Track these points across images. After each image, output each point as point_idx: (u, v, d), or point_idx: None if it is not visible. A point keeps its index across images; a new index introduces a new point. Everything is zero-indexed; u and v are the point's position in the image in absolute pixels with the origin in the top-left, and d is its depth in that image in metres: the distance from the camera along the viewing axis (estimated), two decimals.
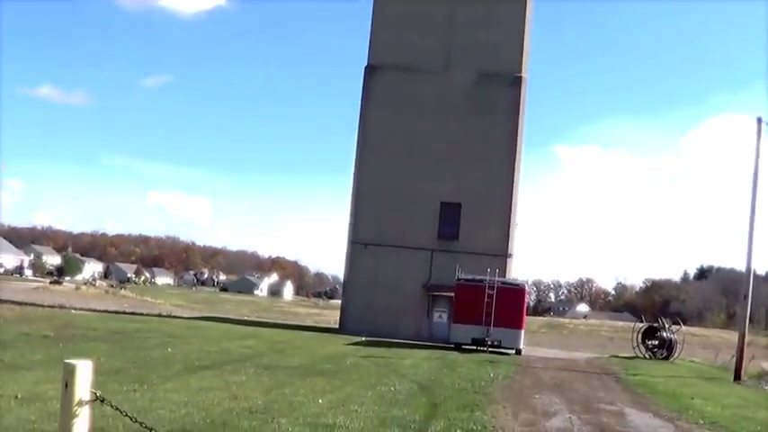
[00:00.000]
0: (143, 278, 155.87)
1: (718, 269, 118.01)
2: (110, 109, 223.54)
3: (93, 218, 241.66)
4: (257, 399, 11.82)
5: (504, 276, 33.94)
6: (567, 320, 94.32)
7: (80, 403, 4.60)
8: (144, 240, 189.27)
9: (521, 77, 38.48)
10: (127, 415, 5.22)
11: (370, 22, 40.05)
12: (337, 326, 39.29)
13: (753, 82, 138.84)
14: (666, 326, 35.13)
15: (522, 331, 30.92)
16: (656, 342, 33.97)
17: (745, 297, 30.82)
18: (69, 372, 4.62)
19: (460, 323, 30.53)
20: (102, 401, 4.72)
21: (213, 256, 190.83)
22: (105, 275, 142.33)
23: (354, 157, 39.31)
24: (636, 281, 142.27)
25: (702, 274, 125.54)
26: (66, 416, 4.61)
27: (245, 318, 50.84)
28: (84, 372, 4.65)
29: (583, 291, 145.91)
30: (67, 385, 4.60)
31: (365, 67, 39.54)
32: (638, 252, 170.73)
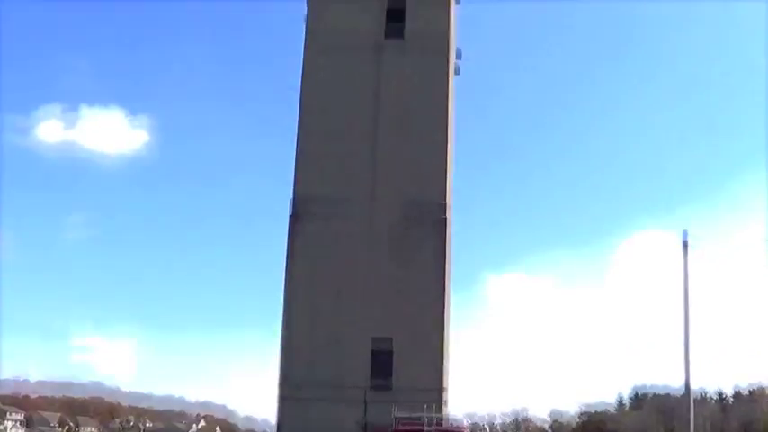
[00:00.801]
0: (66, 428, 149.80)
1: (654, 395, 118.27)
2: (31, 255, 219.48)
3: (14, 364, 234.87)
4: None
5: (440, 412, 33.21)
6: None
7: None
8: (68, 387, 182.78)
9: (445, 213, 38.93)
10: None
11: (293, 169, 40.17)
12: None
13: (674, 198, 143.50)
14: None
15: None
16: None
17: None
18: None
19: None
20: None
21: (139, 403, 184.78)
22: (27, 425, 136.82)
23: (282, 302, 38.78)
24: (570, 407, 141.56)
25: (637, 398, 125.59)
26: None
27: None
28: None
29: (518, 422, 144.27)
30: None
31: (290, 205, 39.46)
32: (571, 377, 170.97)
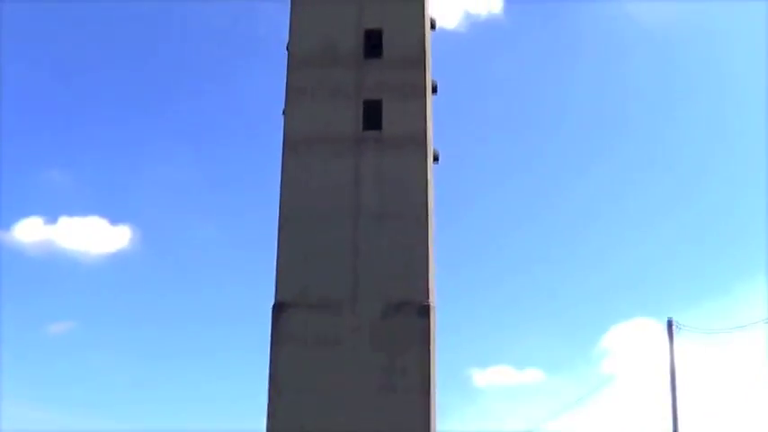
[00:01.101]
0: None
1: None
2: (12, 355, 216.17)
3: None
4: None
5: None
6: None
7: None
8: None
9: (429, 306, 38.59)
10: None
11: (275, 261, 40.08)
12: None
13: (659, 286, 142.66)
14: None
15: None
16: None
17: None
18: None
19: None
20: None
21: None
22: None
23: (267, 403, 37.84)
24: None
25: None
26: None
27: None
28: None
29: None
30: None
31: (272, 306, 39.14)
32: None
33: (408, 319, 38.37)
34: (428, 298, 39.03)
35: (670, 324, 36.72)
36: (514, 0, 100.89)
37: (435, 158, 42.94)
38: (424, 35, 43.62)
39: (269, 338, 38.72)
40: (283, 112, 42.68)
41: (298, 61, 43.37)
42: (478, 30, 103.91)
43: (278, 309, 39.19)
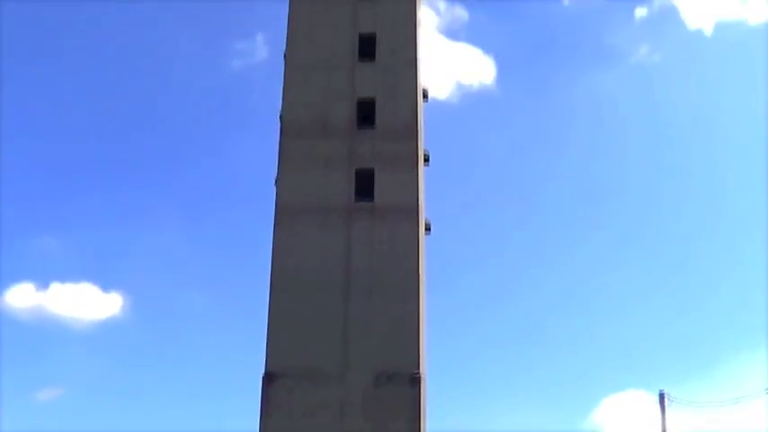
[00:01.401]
0: None
1: None
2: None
3: None
4: None
5: None
6: None
7: None
8: None
9: (419, 376, 38.45)
10: None
11: (266, 330, 39.86)
12: None
13: (650, 359, 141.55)
14: None
15: None
16: None
17: None
18: None
19: None
20: None
21: None
22: None
23: None
24: None
25: None
26: None
27: None
28: None
29: None
30: None
31: (263, 376, 38.96)
32: None
33: (398, 389, 38.10)
34: (418, 368, 38.79)
35: (662, 396, 36.54)
36: (506, 71, 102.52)
37: (427, 228, 43.19)
38: (416, 105, 44.29)
39: (259, 408, 38.54)
40: (276, 182, 43.24)
41: (290, 131, 43.96)
42: (470, 100, 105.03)
43: (268, 378, 38.90)
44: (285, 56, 45.89)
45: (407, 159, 42.91)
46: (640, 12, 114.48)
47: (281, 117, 44.39)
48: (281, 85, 45.33)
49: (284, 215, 41.79)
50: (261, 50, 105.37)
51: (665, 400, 36.66)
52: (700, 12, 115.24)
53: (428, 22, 52.85)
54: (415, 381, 38.26)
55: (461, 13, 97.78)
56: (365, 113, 43.94)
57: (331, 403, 38.06)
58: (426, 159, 44.39)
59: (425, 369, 39.57)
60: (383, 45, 45.34)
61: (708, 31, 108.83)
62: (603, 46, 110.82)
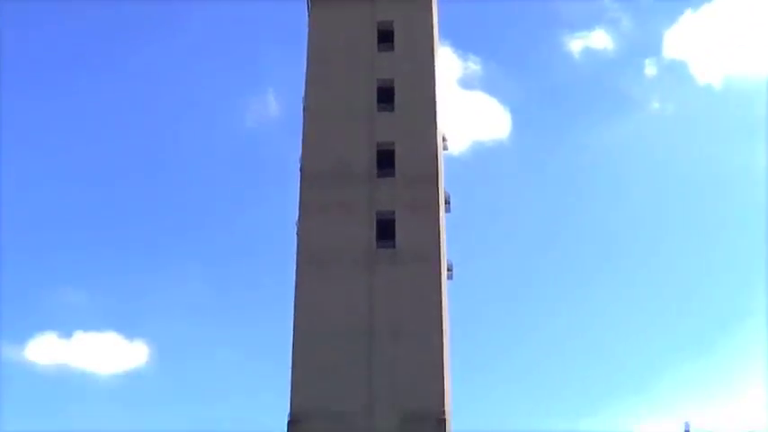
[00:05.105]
0: None
1: None
2: None
3: None
4: None
5: None
6: None
7: None
8: None
9: (444, 419, 38.53)
10: None
11: (289, 377, 40.05)
12: None
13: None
14: None
15: None
16: None
17: None
18: None
19: None
20: None
21: None
22: None
23: None
24: None
25: None
26: None
27: None
28: None
29: None
30: None
31: (288, 419, 39.07)
32: None
33: (424, 430, 37.97)
34: (443, 410, 38.79)
35: (687, 429, 36.32)
36: (520, 126, 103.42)
37: (449, 271, 43.34)
38: (436, 150, 44.68)
39: None
40: (297, 230, 43.60)
41: (310, 178, 44.48)
42: (486, 155, 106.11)
43: (292, 424, 38.95)
44: (304, 105, 46.49)
45: (428, 204, 43.27)
46: (650, 65, 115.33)
47: (300, 165, 44.73)
48: (299, 135, 45.89)
49: (306, 261, 42.13)
50: (272, 105, 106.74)
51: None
52: (708, 66, 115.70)
53: (444, 71, 53.24)
54: (441, 423, 38.15)
55: (474, 64, 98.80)
56: (385, 160, 44.30)
57: None
58: (447, 202, 44.68)
59: (451, 411, 39.46)
60: (401, 92, 45.87)
61: (717, 85, 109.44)
62: (616, 98, 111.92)
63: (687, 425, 36.57)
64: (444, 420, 38.24)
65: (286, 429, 38.96)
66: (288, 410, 39.33)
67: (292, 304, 41.60)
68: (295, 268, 42.01)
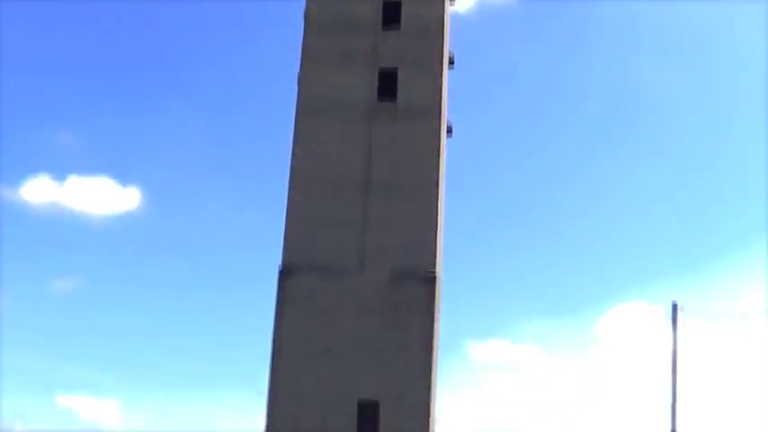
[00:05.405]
0: None
1: None
2: (16, 310, 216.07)
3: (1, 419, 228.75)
4: None
5: None
6: None
7: None
8: None
9: (434, 276, 38.96)
10: None
11: (283, 222, 40.36)
12: None
13: (661, 270, 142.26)
14: None
15: None
16: None
17: None
18: None
19: None
20: None
21: None
22: None
23: (269, 362, 38.65)
24: None
25: None
26: None
27: None
28: None
29: None
30: None
31: (279, 270, 39.50)
32: None
33: (414, 288, 38.62)
34: (434, 268, 39.24)
35: (675, 307, 36.70)
36: None
37: (449, 130, 42.98)
38: (443, 5, 43.49)
39: (274, 301, 39.19)
40: (298, 79, 42.87)
41: (314, 26, 43.31)
42: (492, 16, 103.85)
43: (284, 273, 39.44)
44: None
45: (432, 60, 42.41)
46: None
47: (305, 11, 43.69)
48: None
49: (306, 112, 41.65)
50: None
51: (678, 311, 36.82)
52: None
53: None
54: (431, 280, 38.66)
55: None
56: (391, 13, 43.18)
57: (347, 300, 38.66)
58: (451, 62, 43.87)
59: (442, 269, 39.90)
60: None
61: None
62: None
63: (675, 303, 37.00)
64: (434, 278, 38.78)
65: (277, 280, 39.54)
66: (279, 262, 39.79)
67: (289, 156, 41.47)
68: (294, 119, 41.61)
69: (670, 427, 35.19)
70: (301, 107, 41.82)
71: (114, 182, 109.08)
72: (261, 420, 38.34)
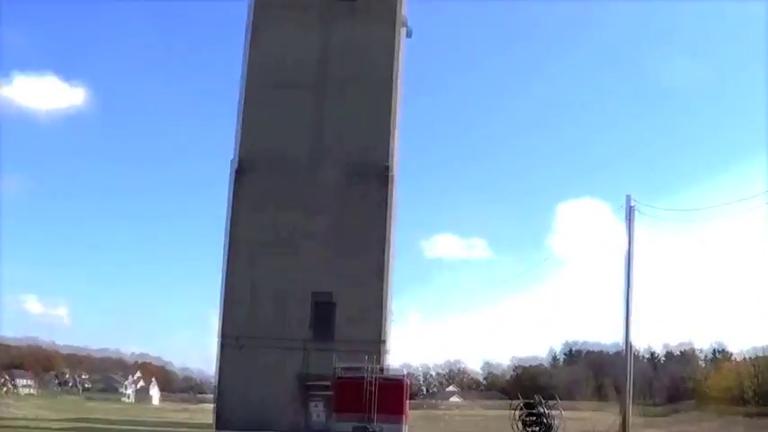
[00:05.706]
0: (2, 381, 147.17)
1: (587, 352, 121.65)
2: None
3: None
4: None
5: (380, 364, 33.86)
6: (441, 412, 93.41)
7: None
8: (4, 347, 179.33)
9: (389, 173, 39.33)
10: None
11: (237, 119, 40.22)
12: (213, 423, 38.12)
13: (615, 169, 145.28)
14: (542, 402, 34.50)
15: (404, 424, 30.09)
16: (534, 418, 33.30)
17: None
18: None
19: (341, 414, 29.80)
20: None
21: (75, 357, 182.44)
22: None
23: (223, 254, 39.08)
24: (503, 359, 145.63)
25: (570, 354, 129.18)
26: None
27: None
28: None
29: (451, 373, 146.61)
30: None
31: (235, 168, 39.56)
32: (503, 334, 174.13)
33: (369, 178, 38.98)
34: (389, 165, 39.53)
35: (629, 202, 37.61)
36: None
37: (409, 34, 42.68)
38: None
39: (229, 199, 39.39)
40: None
41: None
42: None
43: (239, 174, 39.51)
44: None
45: None
46: None
47: None
48: None
49: (262, 10, 41.01)
50: None
51: (633, 208, 37.62)
52: None
53: None
54: (385, 178, 38.91)
55: None
56: None
57: (301, 189, 39.06)
58: None
59: (397, 169, 40.09)
60: None
61: None
62: None
63: (629, 198, 37.77)
64: (388, 176, 39.04)
65: (233, 179, 39.52)
66: (234, 160, 39.76)
67: (243, 56, 40.95)
68: (251, 18, 40.95)
69: (624, 308, 36.15)
70: (258, 5, 41.20)
71: (59, 78, 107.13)
72: (215, 312, 38.84)
